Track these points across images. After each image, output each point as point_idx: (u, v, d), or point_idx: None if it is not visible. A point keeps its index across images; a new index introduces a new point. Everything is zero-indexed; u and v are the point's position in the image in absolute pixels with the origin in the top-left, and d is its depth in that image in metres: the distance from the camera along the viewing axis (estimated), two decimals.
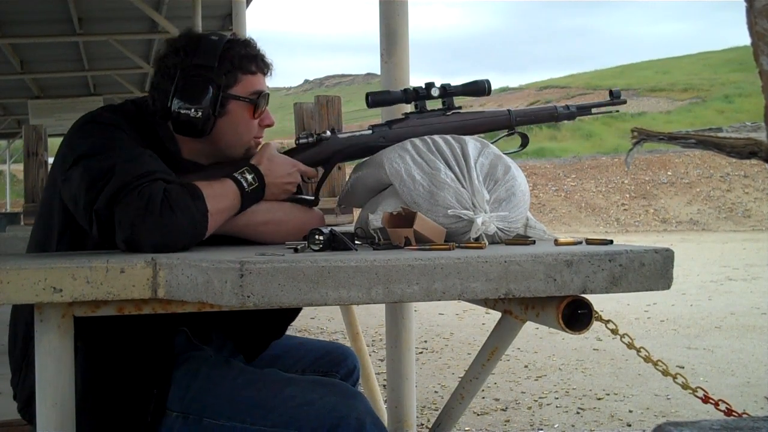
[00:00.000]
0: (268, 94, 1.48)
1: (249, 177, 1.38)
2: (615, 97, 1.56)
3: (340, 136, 1.49)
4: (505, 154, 1.44)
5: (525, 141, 1.59)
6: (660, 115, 28.40)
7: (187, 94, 1.39)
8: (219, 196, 1.31)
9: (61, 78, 10.86)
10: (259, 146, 1.49)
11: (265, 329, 1.55)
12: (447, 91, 1.51)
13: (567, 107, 1.60)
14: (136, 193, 1.21)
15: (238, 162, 1.45)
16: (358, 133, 1.50)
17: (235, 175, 1.37)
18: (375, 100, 1.52)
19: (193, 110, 1.38)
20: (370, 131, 1.49)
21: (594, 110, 1.59)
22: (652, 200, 20.69)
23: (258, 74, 1.46)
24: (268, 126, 1.50)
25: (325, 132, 1.49)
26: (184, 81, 1.39)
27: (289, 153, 1.48)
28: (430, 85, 1.50)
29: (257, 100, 1.45)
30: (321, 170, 1.53)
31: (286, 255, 1.05)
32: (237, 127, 1.44)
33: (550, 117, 1.60)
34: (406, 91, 1.51)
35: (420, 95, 1.50)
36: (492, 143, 1.43)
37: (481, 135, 1.51)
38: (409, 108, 1.57)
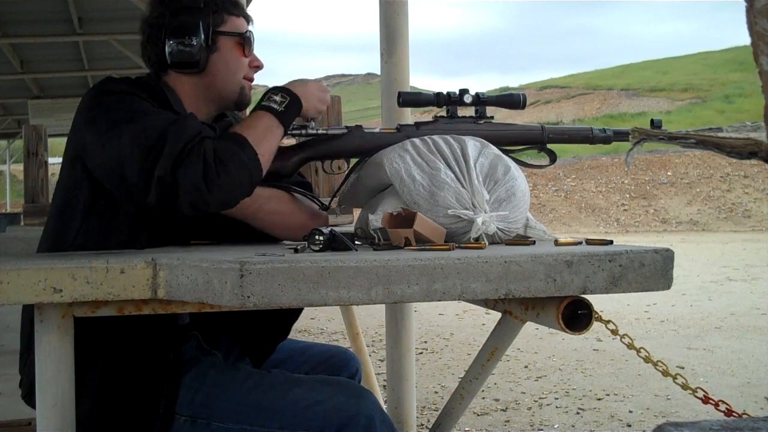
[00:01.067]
0: (254, 36, 1.55)
1: (276, 97, 1.41)
2: (656, 127, 1.54)
3: (366, 131, 1.49)
4: (532, 168, 1.44)
5: (552, 158, 1.56)
6: (660, 115, 28.38)
7: (178, 31, 1.45)
8: (261, 134, 1.35)
9: (61, 78, 10.85)
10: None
11: (270, 330, 1.55)
12: (480, 100, 1.51)
13: (603, 130, 1.58)
14: (193, 155, 1.25)
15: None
16: (384, 131, 1.49)
17: (263, 102, 1.41)
18: (406, 99, 1.51)
19: (186, 41, 1.45)
20: (397, 130, 1.48)
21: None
22: (652, 200, 20.69)
23: (241, 18, 1.53)
24: (258, 67, 1.55)
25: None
26: (174, 22, 1.45)
27: (312, 141, 1.50)
28: (463, 92, 1.50)
29: (245, 37, 1.51)
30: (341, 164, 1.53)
31: (286, 255, 1.05)
32: (228, 63, 1.50)
33: (584, 138, 1.58)
34: (438, 94, 1.50)
35: (452, 100, 1.50)
36: (510, 153, 1.43)
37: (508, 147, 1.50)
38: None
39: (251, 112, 1.42)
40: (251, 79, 1.55)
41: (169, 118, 1.32)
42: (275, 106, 1.39)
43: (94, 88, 1.40)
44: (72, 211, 1.37)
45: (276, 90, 1.42)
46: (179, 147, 1.25)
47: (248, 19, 1.55)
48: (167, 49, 1.45)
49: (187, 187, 1.24)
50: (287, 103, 1.40)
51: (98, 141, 1.31)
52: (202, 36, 1.45)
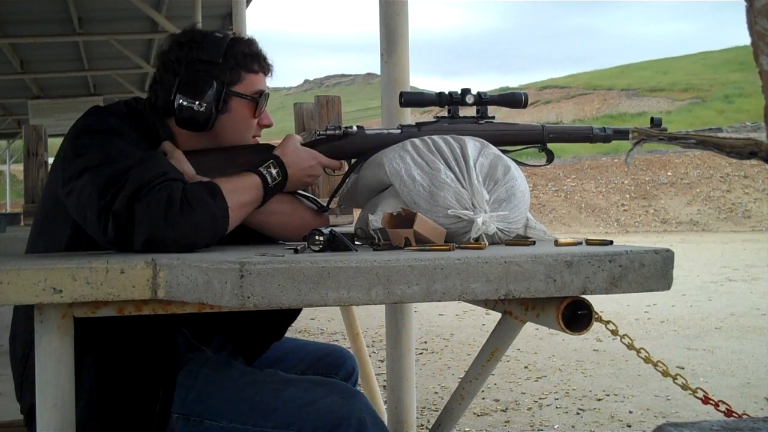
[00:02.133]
0: (269, 94, 1.50)
1: (274, 171, 1.38)
2: (656, 125, 1.54)
3: (368, 132, 1.48)
4: (528, 166, 1.44)
5: (550, 157, 1.57)
6: (660, 115, 28.33)
7: (190, 88, 1.40)
8: (240, 191, 1.31)
9: (61, 78, 10.87)
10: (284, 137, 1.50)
11: (265, 331, 1.55)
12: (482, 99, 1.50)
13: (603, 129, 1.58)
14: (156, 190, 1.20)
15: (259, 146, 1.47)
16: (386, 132, 1.48)
17: (261, 169, 1.37)
18: (408, 100, 1.51)
19: (196, 104, 1.39)
20: (399, 131, 1.48)
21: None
22: (652, 201, 20.69)
23: (260, 74, 1.48)
24: (266, 126, 1.52)
25: (351, 127, 1.49)
26: (188, 75, 1.40)
27: (313, 144, 1.48)
28: (465, 91, 1.50)
29: (258, 99, 1.47)
30: (344, 165, 1.53)
31: (286, 255, 1.05)
32: (237, 125, 1.46)
33: (584, 138, 1.58)
34: (440, 94, 1.50)
35: (454, 100, 1.49)
36: (508, 153, 1.43)
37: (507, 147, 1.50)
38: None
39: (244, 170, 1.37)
40: (258, 137, 1.52)
41: (139, 157, 1.26)
42: (269, 179, 1.36)
43: (78, 124, 1.35)
44: (57, 245, 1.34)
45: (276, 163, 1.39)
46: (140, 182, 1.20)
47: (267, 72, 1.50)
48: (176, 102, 1.40)
49: (144, 220, 1.18)
50: (277, 182, 1.38)
51: (69, 188, 1.27)
52: (214, 95, 1.40)
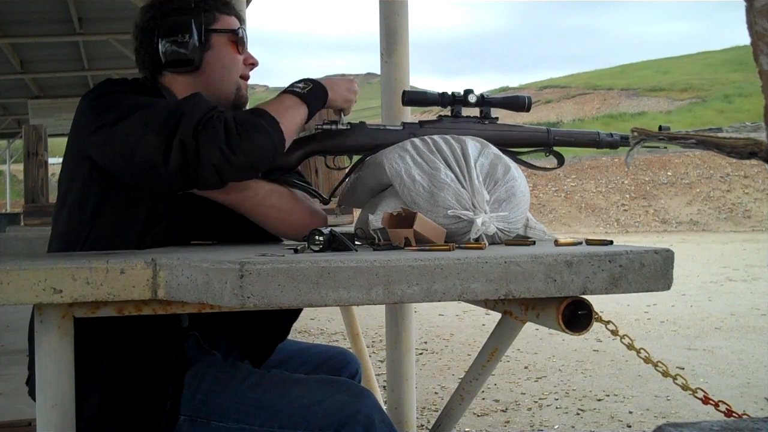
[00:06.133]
0: (247, 36, 1.56)
1: (299, 84, 1.42)
2: (664, 131, 1.54)
3: (369, 127, 1.48)
4: (539, 170, 1.44)
5: (561, 160, 1.56)
6: (660, 115, 28.43)
7: (171, 32, 1.46)
8: (282, 109, 1.36)
9: (61, 78, 10.84)
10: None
11: (269, 331, 1.55)
12: (485, 100, 1.50)
13: (611, 134, 1.56)
14: (214, 121, 1.26)
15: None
16: (388, 127, 1.48)
17: (287, 88, 1.42)
18: (410, 98, 1.50)
19: (179, 41, 1.46)
20: (401, 127, 1.48)
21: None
22: (652, 201, 20.69)
23: (232, 16, 1.55)
24: (253, 65, 1.56)
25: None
26: (166, 23, 1.47)
27: (312, 137, 1.49)
28: (468, 92, 1.49)
29: (237, 32, 1.52)
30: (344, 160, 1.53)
31: (286, 255, 1.05)
32: (224, 61, 1.50)
33: (591, 142, 1.56)
34: (443, 94, 1.50)
35: (457, 100, 1.49)
36: (513, 156, 1.43)
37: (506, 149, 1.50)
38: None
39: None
40: (247, 77, 1.55)
41: (181, 99, 1.34)
42: (297, 89, 1.41)
43: (93, 91, 1.39)
44: (82, 212, 1.36)
45: (299, 80, 1.44)
46: (199, 114, 1.26)
47: (240, 18, 1.56)
48: (161, 49, 1.46)
49: (211, 149, 1.24)
50: (310, 88, 1.42)
51: (105, 135, 1.30)
52: (195, 34, 1.46)
